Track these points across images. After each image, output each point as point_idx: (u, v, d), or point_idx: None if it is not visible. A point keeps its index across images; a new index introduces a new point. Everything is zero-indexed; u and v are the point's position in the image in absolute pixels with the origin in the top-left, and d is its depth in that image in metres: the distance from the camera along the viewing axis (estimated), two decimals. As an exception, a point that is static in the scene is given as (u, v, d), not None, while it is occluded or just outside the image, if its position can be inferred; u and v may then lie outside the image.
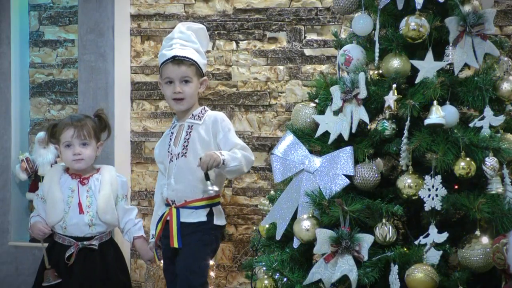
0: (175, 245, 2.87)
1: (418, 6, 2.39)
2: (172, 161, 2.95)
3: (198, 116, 2.97)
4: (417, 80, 2.41)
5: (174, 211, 2.90)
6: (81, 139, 2.93)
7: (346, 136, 2.44)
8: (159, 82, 3.07)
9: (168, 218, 2.91)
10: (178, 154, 2.93)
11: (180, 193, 2.90)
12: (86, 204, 2.92)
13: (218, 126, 2.92)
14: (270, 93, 3.49)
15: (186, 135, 2.94)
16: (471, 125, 2.40)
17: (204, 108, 3.02)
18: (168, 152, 2.98)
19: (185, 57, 2.96)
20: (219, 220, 2.95)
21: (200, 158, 2.77)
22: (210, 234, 2.92)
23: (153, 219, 3.07)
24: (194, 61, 2.97)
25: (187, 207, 2.90)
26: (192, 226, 2.89)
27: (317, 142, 2.53)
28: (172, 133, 3.01)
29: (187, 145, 2.92)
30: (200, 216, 2.90)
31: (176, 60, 2.95)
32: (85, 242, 2.90)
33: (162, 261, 3.06)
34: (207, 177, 2.77)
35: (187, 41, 3.02)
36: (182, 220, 2.89)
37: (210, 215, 2.92)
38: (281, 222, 2.55)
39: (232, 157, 2.82)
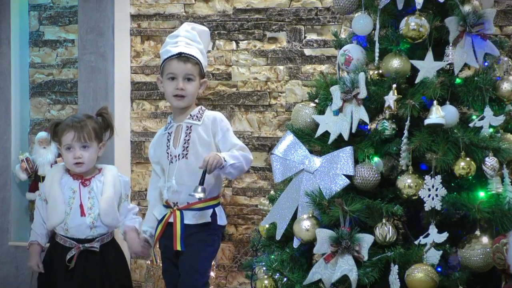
0: (178, 247, 2.85)
1: (418, 6, 2.39)
2: (172, 162, 2.92)
3: (197, 116, 2.95)
4: (417, 80, 2.41)
5: (178, 213, 2.87)
6: (82, 142, 2.87)
7: (346, 136, 2.44)
8: (158, 78, 3.03)
9: (170, 220, 2.89)
10: (179, 155, 2.90)
11: (183, 195, 2.88)
12: (88, 206, 2.88)
13: (217, 126, 2.91)
14: (270, 93, 3.49)
15: (186, 136, 2.92)
16: (471, 125, 2.39)
17: (202, 108, 2.99)
18: (167, 153, 2.94)
19: (191, 55, 2.95)
20: (221, 220, 2.94)
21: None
22: (213, 234, 2.91)
23: (148, 217, 3.02)
24: (199, 60, 2.96)
25: (190, 209, 2.87)
26: (196, 227, 2.87)
27: (317, 142, 2.53)
28: (169, 133, 2.97)
29: (187, 146, 2.90)
30: (204, 217, 2.88)
31: (182, 57, 2.93)
32: (86, 245, 2.86)
33: (161, 262, 3.05)
34: (202, 181, 2.71)
35: (192, 40, 3.00)
36: (186, 222, 2.86)
37: (214, 215, 2.91)
38: (281, 222, 2.55)
39: (232, 156, 2.81)
